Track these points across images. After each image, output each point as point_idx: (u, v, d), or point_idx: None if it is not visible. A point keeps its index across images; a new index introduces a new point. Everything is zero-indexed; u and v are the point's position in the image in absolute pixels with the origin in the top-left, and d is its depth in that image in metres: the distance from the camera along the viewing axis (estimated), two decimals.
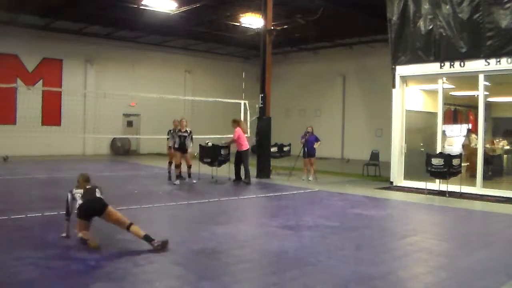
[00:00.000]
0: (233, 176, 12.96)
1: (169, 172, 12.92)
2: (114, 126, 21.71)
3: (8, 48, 19.66)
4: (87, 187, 6.08)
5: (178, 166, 12.12)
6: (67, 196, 6.03)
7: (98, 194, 5.99)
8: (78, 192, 5.97)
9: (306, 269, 5.08)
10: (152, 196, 10.08)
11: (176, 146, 12.21)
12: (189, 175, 12.54)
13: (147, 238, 5.62)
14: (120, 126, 22.80)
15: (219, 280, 4.64)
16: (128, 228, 5.72)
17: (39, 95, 20.23)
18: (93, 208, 5.78)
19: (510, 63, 10.45)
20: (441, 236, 7.18)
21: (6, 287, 4.31)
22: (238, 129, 12.78)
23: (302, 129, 14.22)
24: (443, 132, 14.08)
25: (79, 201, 5.85)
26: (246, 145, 12.85)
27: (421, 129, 13.20)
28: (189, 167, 12.47)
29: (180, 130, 12.33)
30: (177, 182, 11.94)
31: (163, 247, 5.56)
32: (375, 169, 14.74)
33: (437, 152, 11.53)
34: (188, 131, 12.29)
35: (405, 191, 11.59)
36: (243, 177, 12.77)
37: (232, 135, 12.99)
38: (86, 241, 5.60)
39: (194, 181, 12.32)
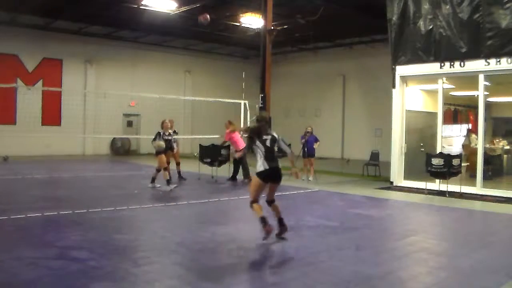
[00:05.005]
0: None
1: (169, 172, 12.96)
2: (114, 126, 21.72)
3: (8, 48, 19.66)
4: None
5: (165, 169, 11.08)
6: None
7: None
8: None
9: (306, 269, 5.08)
10: (152, 196, 10.09)
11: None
12: (179, 173, 12.71)
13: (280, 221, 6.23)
14: (120, 126, 22.80)
15: (219, 280, 4.64)
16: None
17: (39, 95, 20.25)
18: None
19: (510, 63, 10.45)
20: (441, 236, 7.18)
21: (6, 287, 4.31)
22: (229, 132, 12.74)
23: (302, 129, 14.21)
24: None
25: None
26: (242, 145, 12.78)
27: (421, 129, 13.20)
28: (178, 164, 12.66)
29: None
30: (171, 186, 10.73)
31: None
32: (375, 169, 14.73)
33: (437, 152, 11.53)
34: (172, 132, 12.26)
35: (405, 191, 11.59)
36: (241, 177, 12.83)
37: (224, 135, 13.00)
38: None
39: (175, 185, 11.02)
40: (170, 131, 11.63)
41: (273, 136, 6.19)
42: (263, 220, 5.95)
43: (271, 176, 6.08)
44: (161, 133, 11.25)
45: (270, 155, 6.08)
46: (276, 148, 6.17)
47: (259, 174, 6.06)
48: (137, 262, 5.16)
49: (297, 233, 6.72)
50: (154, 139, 11.08)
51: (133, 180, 12.93)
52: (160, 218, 8.04)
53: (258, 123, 6.29)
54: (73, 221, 7.16)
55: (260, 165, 6.04)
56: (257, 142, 6.13)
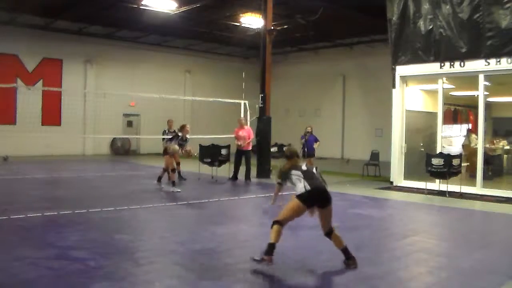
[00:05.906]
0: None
1: (179, 172, 12.97)
2: (114, 126, 21.71)
3: (8, 48, 19.64)
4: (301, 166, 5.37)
5: (173, 170, 11.06)
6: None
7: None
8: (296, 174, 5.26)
9: (306, 269, 5.08)
10: (152, 196, 10.09)
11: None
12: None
13: (345, 252, 5.17)
14: (120, 126, 22.80)
15: (219, 280, 4.64)
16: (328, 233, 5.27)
17: (39, 95, 20.21)
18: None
19: (510, 63, 10.46)
20: (441, 236, 7.18)
21: (6, 287, 4.31)
22: (249, 128, 13.08)
23: (302, 129, 14.23)
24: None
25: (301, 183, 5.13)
26: (249, 145, 13.19)
27: (421, 129, 13.20)
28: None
29: (169, 131, 12.56)
30: (175, 189, 10.54)
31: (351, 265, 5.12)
32: (375, 169, 14.72)
33: (437, 152, 11.53)
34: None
35: (405, 191, 11.59)
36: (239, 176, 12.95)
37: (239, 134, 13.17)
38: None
39: (179, 190, 10.58)
40: (187, 136, 11.03)
41: (308, 166, 5.46)
42: (270, 248, 4.94)
43: (317, 198, 5.09)
44: (180, 137, 10.83)
45: (310, 175, 5.24)
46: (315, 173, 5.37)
47: (300, 197, 5.07)
48: (137, 262, 5.16)
49: (297, 233, 6.72)
50: (170, 140, 10.93)
51: (133, 180, 12.93)
52: (160, 218, 8.04)
53: (288, 159, 5.47)
54: (73, 221, 7.16)
55: (302, 187, 5.09)
56: (293, 172, 5.28)
